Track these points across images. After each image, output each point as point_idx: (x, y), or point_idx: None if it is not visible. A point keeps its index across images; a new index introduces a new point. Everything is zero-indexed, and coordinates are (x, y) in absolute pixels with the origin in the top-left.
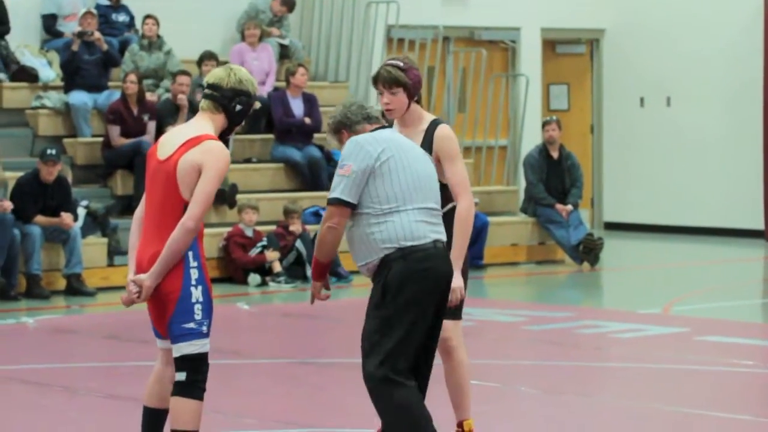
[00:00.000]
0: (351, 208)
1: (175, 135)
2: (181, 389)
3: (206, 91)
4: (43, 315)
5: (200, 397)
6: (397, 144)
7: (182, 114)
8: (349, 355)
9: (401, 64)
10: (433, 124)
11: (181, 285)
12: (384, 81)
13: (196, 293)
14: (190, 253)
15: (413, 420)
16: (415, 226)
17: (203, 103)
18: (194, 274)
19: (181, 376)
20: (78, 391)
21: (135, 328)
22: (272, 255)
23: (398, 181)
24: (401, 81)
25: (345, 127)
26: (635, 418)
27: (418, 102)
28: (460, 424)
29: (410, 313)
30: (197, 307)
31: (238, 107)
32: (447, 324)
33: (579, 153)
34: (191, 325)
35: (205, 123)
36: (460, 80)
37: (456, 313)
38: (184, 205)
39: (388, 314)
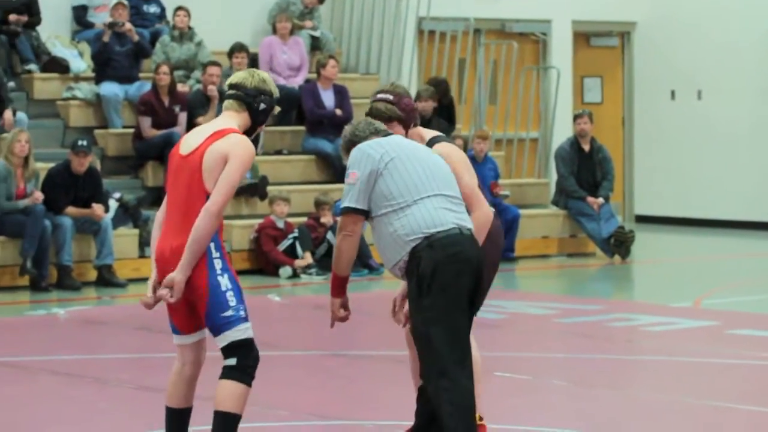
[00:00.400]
0: (363, 215)
1: (199, 132)
2: (229, 372)
3: (230, 91)
4: (73, 306)
5: (248, 383)
6: (399, 145)
7: (213, 105)
8: (380, 347)
9: (391, 97)
10: (431, 142)
11: (207, 277)
12: (379, 119)
13: (224, 281)
14: (212, 245)
15: (467, 423)
16: (436, 212)
17: (227, 103)
18: (218, 264)
19: (231, 361)
20: (108, 382)
21: (166, 319)
22: (300, 263)
23: (407, 174)
24: (395, 116)
25: (354, 144)
26: (666, 412)
27: (417, 125)
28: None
29: (449, 300)
30: (229, 295)
31: (262, 106)
32: None
33: (611, 146)
34: (229, 312)
35: (229, 120)
36: (491, 72)
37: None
38: (207, 197)
39: (429, 306)
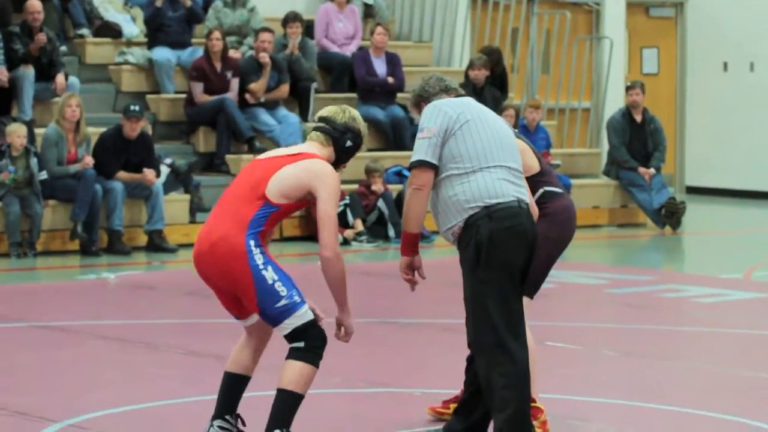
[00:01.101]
0: (434, 170)
1: (284, 149)
2: (299, 354)
3: (318, 124)
4: (123, 271)
5: (316, 364)
6: (475, 108)
7: (265, 72)
8: (431, 315)
9: None
10: None
11: (251, 273)
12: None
13: (269, 274)
14: (252, 242)
15: (521, 396)
16: (498, 184)
17: (313, 134)
18: (259, 258)
19: (299, 344)
20: (158, 347)
21: None
22: (351, 230)
23: (479, 139)
24: None
25: (423, 99)
26: (716, 383)
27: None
28: None
29: (505, 273)
30: (278, 285)
31: (348, 143)
32: None
33: (664, 117)
34: (283, 302)
35: (314, 148)
36: (543, 42)
37: (530, 289)
38: (265, 202)
39: (485, 277)
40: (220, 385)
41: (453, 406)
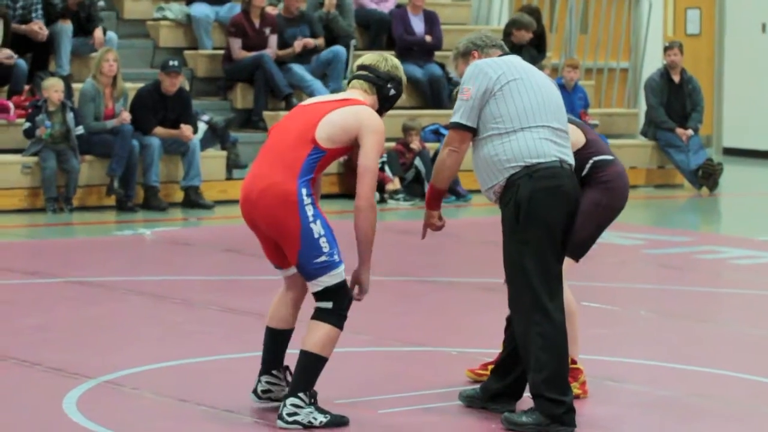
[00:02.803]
0: (471, 132)
1: (328, 96)
2: (324, 315)
3: (361, 72)
4: (160, 227)
5: (341, 326)
6: (520, 67)
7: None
8: (468, 274)
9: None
10: None
11: (300, 224)
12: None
13: (317, 228)
14: (303, 191)
15: (558, 356)
16: (540, 143)
17: (356, 82)
18: (309, 210)
19: (327, 304)
20: (195, 304)
21: (253, 241)
22: (389, 187)
23: (521, 100)
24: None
25: (477, 48)
26: (752, 345)
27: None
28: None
29: (545, 233)
30: (322, 241)
31: (392, 92)
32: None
33: (704, 78)
34: (323, 258)
35: (359, 96)
36: (582, 1)
37: (577, 252)
38: (314, 147)
39: (524, 237)
40: (264, 341)
41: (491, 368)
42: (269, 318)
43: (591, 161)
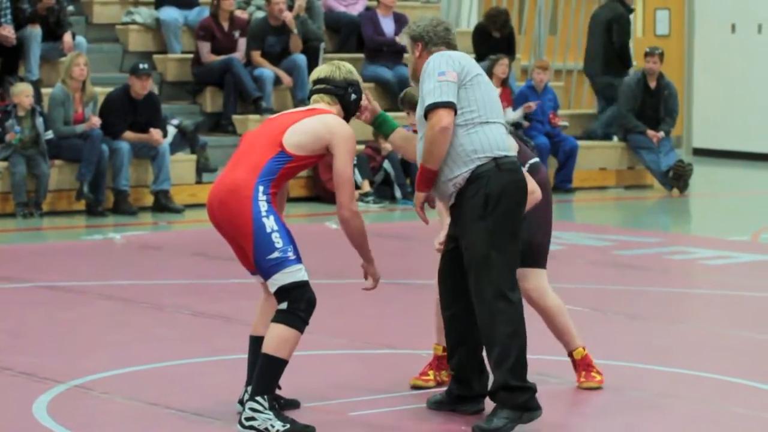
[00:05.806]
0: (455, 112)
1: (295, 109)
2: (278, 315)
3: (319, 86)
4: (130, 231)
5: (298, 327)
6: (475, 64)
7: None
8: None
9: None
10: None
11: (251, 218)
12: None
13: (269, 222)
14: (261, 188)
15: (520, 344)
16: (502, 138)
17: (316, 97)
18: (263, 206)
19: (282, 305)
20: (165, 308)
21: (222, 245)
22: (358, 191)
23: (487, 93)
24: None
25: (424, 41)
26: (722, 345)
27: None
28: (569, 354)
29: (511, 225)
30: (275, 236)
31: (353, 96)
32: (527, 272)
33: (674, 78)
34: (276, 254)
35: (324, 106)
36: (551, 2)
37: (542, 260)
38: (280, 151)
39: (492, 226)
40: (248, 351)
41: (432, 372)
42: (253, 327)
43: (528, 165)
